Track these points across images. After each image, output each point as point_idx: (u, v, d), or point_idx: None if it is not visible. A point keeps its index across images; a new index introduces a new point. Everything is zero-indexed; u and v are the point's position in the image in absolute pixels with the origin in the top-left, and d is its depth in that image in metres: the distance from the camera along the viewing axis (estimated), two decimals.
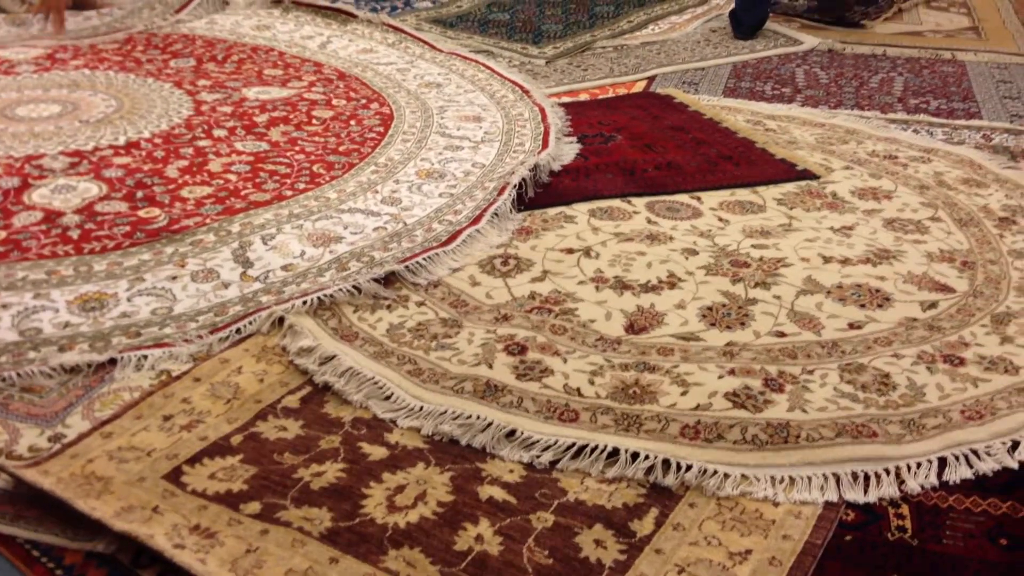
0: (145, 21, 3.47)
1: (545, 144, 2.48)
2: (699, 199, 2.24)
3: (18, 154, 2.36)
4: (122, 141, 2.46)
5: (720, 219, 2.14)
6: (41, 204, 2.12)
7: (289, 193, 2.21)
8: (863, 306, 1.81)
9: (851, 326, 1.74)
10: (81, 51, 3.12)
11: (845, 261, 1.97)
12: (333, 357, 1.62)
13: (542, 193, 2.26)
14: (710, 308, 1.80)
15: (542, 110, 2.72)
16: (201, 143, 2.47)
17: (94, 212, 2.09)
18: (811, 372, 1.60)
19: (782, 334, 1.72)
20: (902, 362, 1.63)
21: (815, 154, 2.48)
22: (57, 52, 3.10)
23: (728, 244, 2.04)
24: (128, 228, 2.02)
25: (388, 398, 1.54)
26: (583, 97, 2.92)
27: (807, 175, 2.36)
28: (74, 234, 2.00)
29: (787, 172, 2.38)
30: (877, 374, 1.60)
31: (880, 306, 1.81)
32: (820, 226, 2.12)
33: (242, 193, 2.20)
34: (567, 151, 2.48)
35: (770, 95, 2.93)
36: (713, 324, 1.75)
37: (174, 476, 1.35)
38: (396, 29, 3.43)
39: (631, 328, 1.73)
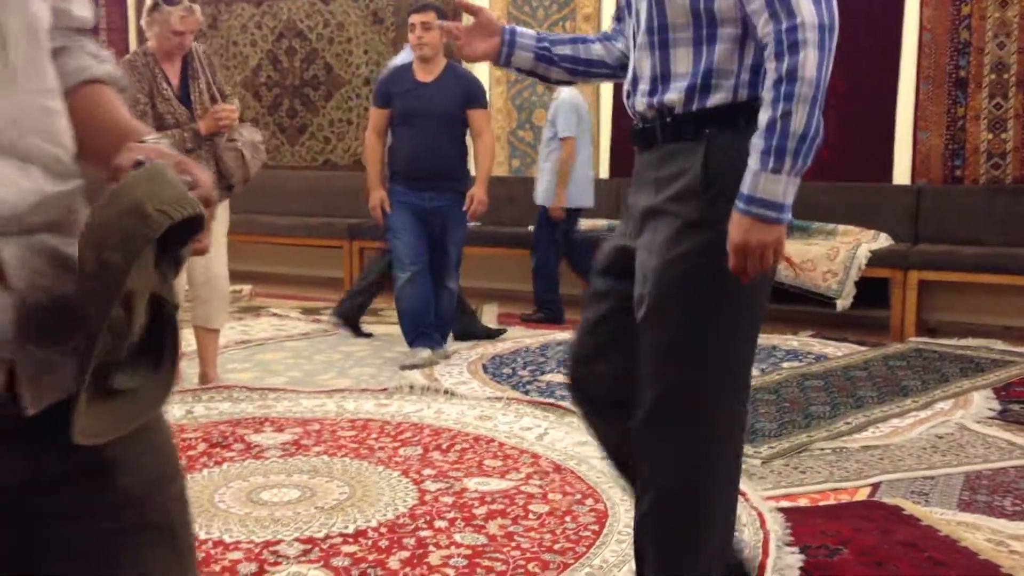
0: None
1: (765, 553, 2.39)
2: None
3: (258, 539, 2.51)
4: (351, 529, 2.58)
5: None
6: None
7: None
8: None
9: None
10: (322, 438, 3.40)
11: None
12: None
13: None
14: None
15: (760, 516, 2.66)
16: (423, 533, 2.55)
17: None
18: None
19: None
20: None
21: None
22: (302, 439, 3.39)
23: None
24: None
25: None
26: (802, 502, 2.84)
27: None
28: None
29: None
30: None
31: None
32: None
33: None
34: (790, 561, 2.37)
35: (1011, 512, 2.74)
36: None
37: None
38: None
39: None
